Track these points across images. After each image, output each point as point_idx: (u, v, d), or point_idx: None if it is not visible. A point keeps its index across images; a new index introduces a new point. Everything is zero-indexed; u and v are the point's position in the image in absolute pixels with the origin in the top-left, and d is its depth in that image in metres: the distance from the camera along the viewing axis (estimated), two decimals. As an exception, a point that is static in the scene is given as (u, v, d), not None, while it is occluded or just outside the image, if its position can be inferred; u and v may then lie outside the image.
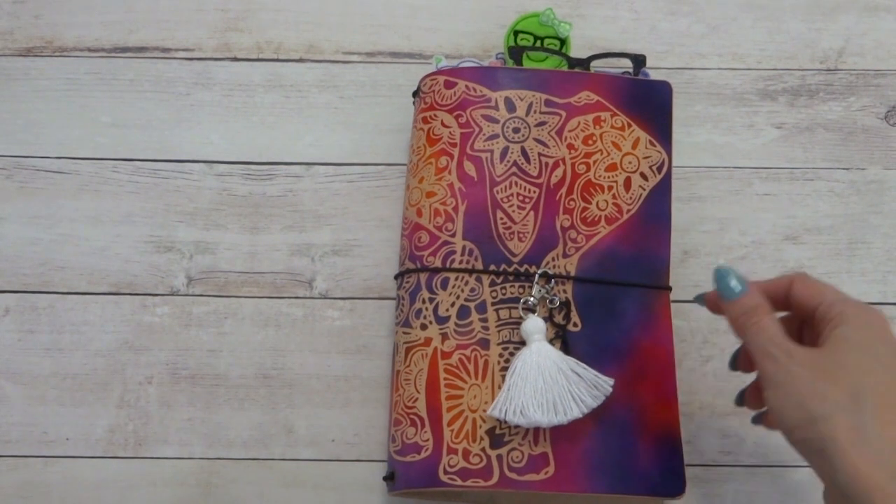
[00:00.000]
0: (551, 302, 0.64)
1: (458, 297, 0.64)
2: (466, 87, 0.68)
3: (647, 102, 0.69)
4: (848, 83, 0.77)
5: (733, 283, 0.54)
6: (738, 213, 0.74)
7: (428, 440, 0.62)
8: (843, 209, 0.74)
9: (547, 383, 0.61)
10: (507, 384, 0.62)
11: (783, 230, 0.74)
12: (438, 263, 0.65)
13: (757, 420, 0.60)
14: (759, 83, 0.76)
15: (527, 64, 0.72)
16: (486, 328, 0.64)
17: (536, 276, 0.64)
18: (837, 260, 0.73)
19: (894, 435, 0.46)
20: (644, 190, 0.68)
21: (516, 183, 0.66)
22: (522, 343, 0.64)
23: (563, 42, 0.73)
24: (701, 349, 0.71)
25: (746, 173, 0.75)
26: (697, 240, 0.73)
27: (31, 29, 0.76)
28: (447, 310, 0.64)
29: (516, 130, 0.67)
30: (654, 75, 0.75)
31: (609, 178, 0.67)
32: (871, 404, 0.47)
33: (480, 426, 0.62)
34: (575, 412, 0.60)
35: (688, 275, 0.72)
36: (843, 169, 0.75)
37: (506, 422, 0.61)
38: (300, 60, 0.77)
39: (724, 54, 0.77)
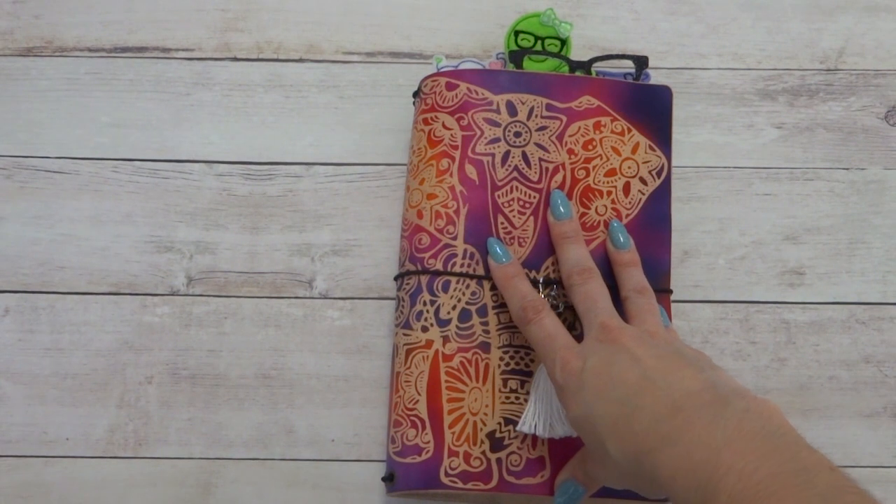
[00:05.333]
0: (555, 307, 0.64)
1: (459, 301, 0.64)
2: (468, 89, 0.68)
3: (648, 107, 0.69)
4: (848, 83, 0.77)
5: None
6: (738, 213, 0.74)
7: (429, 442, 0.62)
8: (843, 209, 0.74)
9: None
10: (532, 398, 0.62)
11: (783, 230, 0.74)
12: (439, 266, 0.65)
13: None
14: (759, 83, 0.76)
15: (527, 65, 0.72)
16: (487, 332, 0.64)
17: (541, 286, 0.65)
18: (837, 260, 0.73)
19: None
20: (643, 195, 0.68)
21: (517, 188, 0.66)
22: (523, 346, 0.64)
23: (563, 42, 0.73)
24: (701, 349, 0.71)
25: (746, 173, 0.75)
26: (697, 240, 0.73)
27: (31, 29, 0.76)
28: (448, 313, 0.64)
29: (518, 135, 0.67)
30: (654, 75, 0.75)
31: (608, 183, 0.67)
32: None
33: (481, 429, 0.63)
34: None
35: (688, 275, 0.72)
36: (843, 169, 0.75)
37: (535, 435, 0.62)
38: (300, 60, 0.76)
39: (724, 54, 0.77)
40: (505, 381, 0.64)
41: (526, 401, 0.63)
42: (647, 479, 0.50)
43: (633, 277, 0.63)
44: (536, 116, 0.67)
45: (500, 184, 0.66)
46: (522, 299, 0.61)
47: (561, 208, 0.65)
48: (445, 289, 0.65)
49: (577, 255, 0.63)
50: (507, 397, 0.64)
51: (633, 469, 0.50)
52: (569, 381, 0.55)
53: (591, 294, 0.61)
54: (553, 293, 0.65)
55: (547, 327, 0.59)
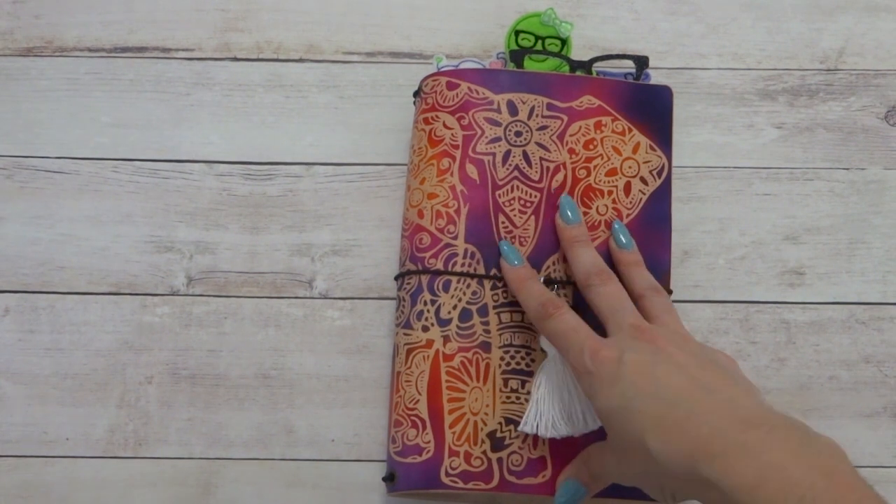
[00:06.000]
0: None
1: (459, 300, 0.64)
2: (469, 88, 0.68)
3: (648, 107, 0.69)
4: (848, 83, 0.77)
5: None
6: (738, 213, 0.74)
7: (429, 442, 0.62)
8: (843, 209, 0.74)
9: (571, 395, 0.61)
10: (533, 398, 0.62)
11: (783, 230, 0.74)
12: (440, 266, 0.65)
13: None
14: (759, 83, 0.76)
15: (528, 65, 0.72)
16: (488, 331, 0.64)
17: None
18: (837, 260, 0.73)
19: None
20: (644, 194, 0.68)
21: (518, 187, 0.66)
22: (524, 346, 0.64)
23: (564, 42, 0.73)
24: (701, 350, 0.71)
25: (746, 173, 0.75)
26: (697, 240, 0.73)
27: (31, 29, 0.76)
28: (449, 312, 0.64)
29: (518, 134, 0.67)
30: (655, 75, 0.75)
31: (609, 182, 0.67)
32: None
33: (482, 429, 0.63)
34: (596, 422, 0.61)
35: (688, 275, 0.72)
36: (843, 169, 0.75)
37: (537, 435, 0.62)
38: (300, 60, 0.76)
39: (724, 54, 0.77)
40: (506, 381, 0.64)
41: (527, 401, 0.63)
42: (694, 480, 0.49)
43: (644, 276, 0.64)
44: (537, 116, 0.67)
45: (500, 183, 0.66)
46: (541, 296, 0.61)
47: (570, 213, 0.65)
48: (446, 288, 0.65)
49: (591, 258, 0.64)
50: (508, 397, 0.64)
51: (674, 468, 0.50)
52: (602, 369, 0.55)
53: (615, 295, 0.61)
54: (555, 291, 0.65)
55: (569, 321, 0.59)
